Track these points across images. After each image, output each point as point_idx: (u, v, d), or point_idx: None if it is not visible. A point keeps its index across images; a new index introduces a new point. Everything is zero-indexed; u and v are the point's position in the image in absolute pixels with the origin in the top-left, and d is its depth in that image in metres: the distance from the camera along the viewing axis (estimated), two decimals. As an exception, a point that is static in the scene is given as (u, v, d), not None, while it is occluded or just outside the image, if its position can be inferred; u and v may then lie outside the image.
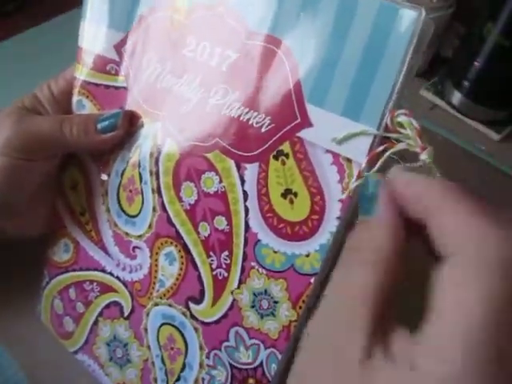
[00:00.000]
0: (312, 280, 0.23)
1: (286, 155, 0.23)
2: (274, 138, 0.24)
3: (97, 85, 0.30)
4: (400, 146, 0.20)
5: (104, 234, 0.31)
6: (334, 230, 0.23)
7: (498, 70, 0.48)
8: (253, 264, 0.25)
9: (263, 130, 0.24)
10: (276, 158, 0.24)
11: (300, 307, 0.24)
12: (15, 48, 0.31)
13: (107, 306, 0.31)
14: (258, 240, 0.25)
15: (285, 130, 0.23)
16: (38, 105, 0.30)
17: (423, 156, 0.19)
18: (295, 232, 0.24)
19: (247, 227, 0.25)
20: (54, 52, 0.31)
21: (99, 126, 0.28)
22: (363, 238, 0.18)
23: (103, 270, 0.31)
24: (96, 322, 0.32)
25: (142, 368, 0.30)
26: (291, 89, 0.23)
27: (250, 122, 0.24)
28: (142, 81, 0.28)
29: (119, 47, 0.29)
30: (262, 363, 0.26)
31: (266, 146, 0.24)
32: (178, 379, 0.29)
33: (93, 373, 0.33)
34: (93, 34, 0.30)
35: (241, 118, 0.25)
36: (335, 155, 0.22)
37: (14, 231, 0.31)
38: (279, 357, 0.25)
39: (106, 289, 0.31)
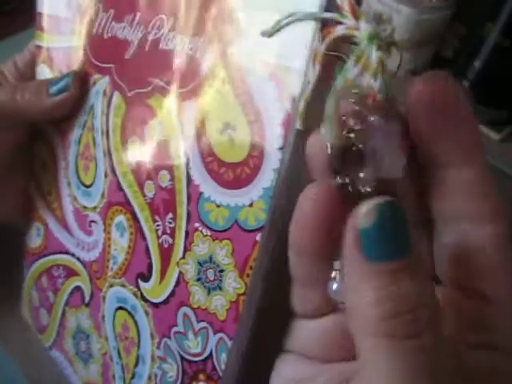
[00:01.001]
0: (258, 237, 0.18)
1: (223, 80, 0.19)
2: (208, 63, 0.19)
3: (55, 49, 0.28)
4: (338, 32, 0.14)
5: (66, 210, 0.28)
6: (277, 166, 0.17)
7: (498, 70, 0.48)
8: (196, 225, 0.20)
9: (198, 56, 0.20)
10: (212, 86, 0.19)
11: (247, 275, 0.18)
12: (14, 48, 0.30)
13: (72, 293, 0.28)
14: (201, 193, 0.20)
15: (218, 48, 0.19)
16: (1, 79, 0.29)
17: (358, 36, 0.13)
18: (237, 176, 0.19)
19: (189, 180, 0.20)
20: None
21: (51, 89, 0.26)
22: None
23: (67, 252, 0.28)
24: (64, 313, 0.29)
25: (102, 363, 0.26)
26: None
27: (185, 51, 0.20)
28: (92, 35, 0.26)
29: (70, 3, 0.27)
30: (211, 353, 0.20)
31: (202, 75, 0.20)
32: (132, 376, 0.24)
33: (65, 370, 0.29)
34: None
35: (176, 49, 0.21)
36: (272, 67, 0.17)
37: None
38: (229, 344, 0.19)
39: (69, 272, 0.28)
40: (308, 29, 0.16)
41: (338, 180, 0.14)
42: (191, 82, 0.20)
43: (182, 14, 0.20)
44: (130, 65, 0.23)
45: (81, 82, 0.26)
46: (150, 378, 0.23)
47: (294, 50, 0.16)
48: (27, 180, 0.30)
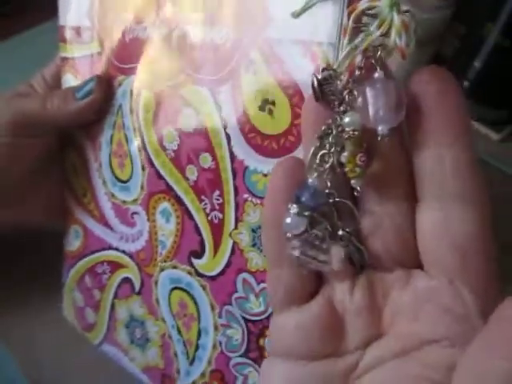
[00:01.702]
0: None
1: (256, 63, 0.21)
2: (241, 49, 0.21)
3: (79, 58, 0.29)
4: (362, 5, 0.17)
5: (104, 208, 0.29)
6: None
7: (498, 70, 0.48)
8: (245, 196, 0.22)
9: (228, 44, 0.22)
10: (247, 70, 0.21)
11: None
12: (14, 49, 0.31)
13: (119, 286, 0.30)
14: (246, 167, 0.22)
15: (249, 35, 0.21)
16: (31, 91, 0.31)
17: (380, 6, 0.16)
18: (281, 146, 0.21)
19: (232, 157, 0.22)
20: (53, 53, 0.31)
21: (77, 94, 0.28)
22: None
23: (110, 248, 0.30)
24: (113, 306, 0.30)
25: (161, 344, 0.28)
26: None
27: (215, 41, 0.22)
28: (113, 39, 0.27)
29: (89, 12, 0.28)
30: (275, 309, 0.22)
31: (235, 60, 0.22)
32: (196, 348, 0.26)
33: (119, 362, 0.31)
34: (67, 8, 0.29)
35: (205, 40, 0.23)
36: (304, 44, 0.19)
37: (9, 221, 0.30)
38: (291, 296, 0.21)
39: (115, 266, 0.29)
40: (335, 7, 0.18)
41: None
42: (225, 69, 0.22)
43: (209, 6, 0.22)
44: (155, 62, 0.25)
45: (105, 84, 0.27)
46: (214, 346, 0.25)
47: (325, 26, 0.18)
48: (59, 185, 0.32)
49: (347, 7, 0.18)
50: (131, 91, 0.26)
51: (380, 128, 0.15)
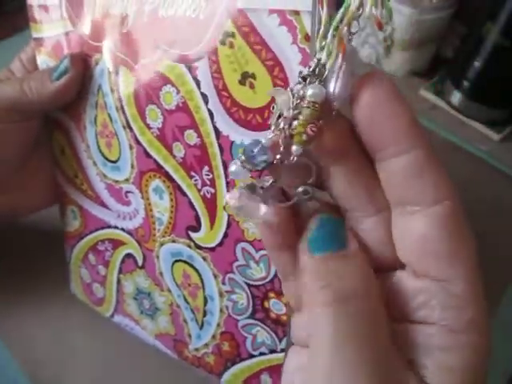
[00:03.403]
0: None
1: (232, 35, 0.20)
2: (215, 21, 0.21)
3: (50, 38, 0.28)
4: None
5: (98, 188, 0.29)
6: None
7: (498, 70, 0.48)
8: (235, 170, 0.22)
9: (202, 16, 0.21)
10: (223, 42, 0.21)
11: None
12: (15, 48, 0.30)
13: (123, 261, 0.30)
14: (232, 142, 0.22)
15: (222, 6, 0.20)
16: (11, 76, 0.30)
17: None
18: (266, 119, 0.21)
19: (217, 132, 0.22)
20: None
21: (53, 75, 0.27)
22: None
23: (109, 226, 0.30)
24: (119, 281, 0.31)
25: (170, 313, 0.29)
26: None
27: (188, 14, 0.21)
28: (83, 16, 0.26)
29: (53, -11, 0.27)
30: (276, 273, 0.23)
31: (209, 33, 0.21)
32: (204, 314, 0.27)
33: (132, 331, 0.32)
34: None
35: (178, 13, 0.22)
36: (280, 13, 0.19)
37: (9, 208, 0.31)
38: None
39: (116, 243, 0.30)
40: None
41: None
42: (200, 43, 0.21)
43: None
44: (129, 38, 0.24)
45: (79, 61, 0.27)
46: (221, 310, 0.26)
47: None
48: (50, 169, 0.32)
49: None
50: (108, 69, 0.26)
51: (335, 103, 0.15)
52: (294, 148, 0.16)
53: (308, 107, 0.16)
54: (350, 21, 0.16)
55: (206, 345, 0.28)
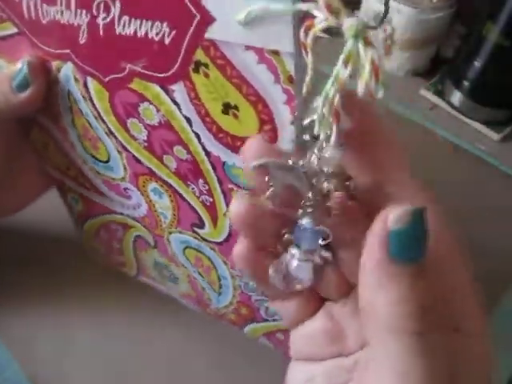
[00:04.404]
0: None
1: (205, 65, 0.18)
2: (183, 48, 0.18)
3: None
4: (319, 24, 0.14)
5: (95, 182, 0.29)
6: (293, 137, 0.18)
7: (498, 70, 0.48)
8: (230, 186, 0.22)
9: (167, 41, 0.18)
10: (196, 71, 0.19)
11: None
12: None
13: (135, 241, 0.32)
14: (224, 162, 0.21)
15: (189, 34, 0.18)
16: None
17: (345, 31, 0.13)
18: (255, 147, 0.20)
19: (207, 152, 0.21)
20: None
21: (13, 84, 0.25)
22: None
23: (114, 212, 0.31)
24: (135, 254, 0.33)
25: (188, 281, 0.32)
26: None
27: (150, 36, 0.19)
28: (26, 20, 0.23)
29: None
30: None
31: (179, 59, 0.19)
32: (220, 286, 0.30)
33: (157, 288, 0.36)
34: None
35: (138, 34, 0.19)
36: (257, 50, 0.16)
37: None
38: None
39: (125, 227, 0.31)
40: (289, 17, 0.15)
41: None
42: (171, 68, 0.19)
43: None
44: (89, 50, 0.21)
45: (41, 70, 0.24)
46: (234, 288, 0.29)
47: (279, 35, 0.15)
48: (35, 164, 0.31)
49: (303, 20, 0.15)
50: (75, 77, 0.23)
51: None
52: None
53: (332, 177, 0.15)
54: (342, 90, 0.14)
55: (226, 307, 0.31)
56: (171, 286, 0.34)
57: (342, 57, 0.13)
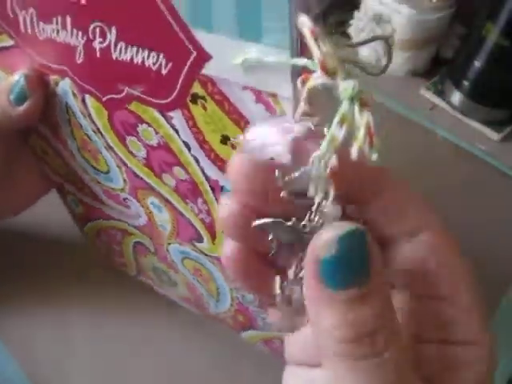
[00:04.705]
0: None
1: (203, 98, 0.18)
2: (180, 80, 0.18)
3: None
4: (315, 80, 0.13)
5: (95, 190, 0.29)
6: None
7: (498, 70, 0.48)
8: (229, 208, 0.22)
9: (164, 71, 0.18)
10: (194, 102, 0.18)
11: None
12: None
13: (134, 246, 0.32)
14: (222, 186, 0.21)
15: (186, 68, 0.17)
16: None
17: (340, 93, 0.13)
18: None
19: (206, 176, 0.21)
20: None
21: (11, 98, 0.24)
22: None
23: (113, 219, 0.31)
24: (135, 258, 0.34)
25: (187, 287, 0.32)
26: (164, 12, 0.16)
27: (147, 64, 0.18)
28: (23, 34, 0.22)
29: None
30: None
31: (177, 90, 0.18)
32: (218, 294, 0.30)
33: (158, 289, 0.36)
34: None
35: (135, 61, 0.19)
36: (255, 92, 0.16)
37: None
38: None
39: (125, 233, 0.32)
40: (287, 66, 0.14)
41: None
42: (169, 97, 0.19)
43: (125, 22, 0.18)
44: (87, 70, 0.21)
45: (38, 84, 0.24)
46: (232, 299, 0.29)
47: (277, 80, 0.15)
48: (35, 167, 0.31)
49: (300, 73, 0.14)
50: (72, 93, 0.23)
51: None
52: None
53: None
54: (337, 151, 0.14)
55: (224, 312, 0.32)
56: (170, 290, 0.34)
57: (336, 118, 0.13)
